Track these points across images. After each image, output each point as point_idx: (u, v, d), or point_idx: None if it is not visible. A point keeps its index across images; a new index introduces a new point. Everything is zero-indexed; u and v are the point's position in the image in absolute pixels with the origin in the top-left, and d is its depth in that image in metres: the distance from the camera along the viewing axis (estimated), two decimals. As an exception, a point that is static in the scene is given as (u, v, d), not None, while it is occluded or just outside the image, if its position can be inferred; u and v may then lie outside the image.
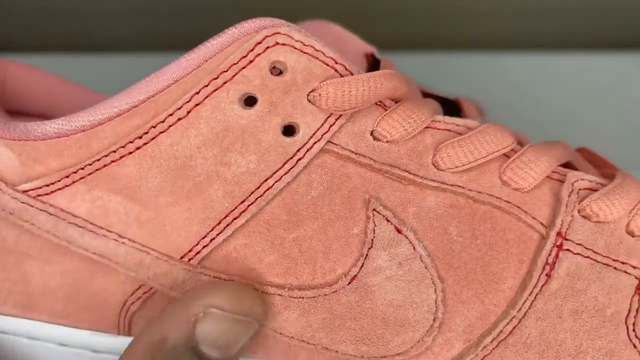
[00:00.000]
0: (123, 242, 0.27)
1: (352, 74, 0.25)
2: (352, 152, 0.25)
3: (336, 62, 0.25)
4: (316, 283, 0.26)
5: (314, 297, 0.26)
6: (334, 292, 0.26)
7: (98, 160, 0.26)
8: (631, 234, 0.26)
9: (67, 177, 0.26)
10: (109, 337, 0.29)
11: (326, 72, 0.25)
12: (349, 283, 0.26)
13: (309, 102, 0.25)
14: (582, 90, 0.58)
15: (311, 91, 0.25)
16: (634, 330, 0.25)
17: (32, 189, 0.27)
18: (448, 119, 0.26)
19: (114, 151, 0.26)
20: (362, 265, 0.26)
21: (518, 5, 0.62)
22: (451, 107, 0.30)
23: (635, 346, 0.25)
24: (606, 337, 0.25)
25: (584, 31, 0.63)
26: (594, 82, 0.58)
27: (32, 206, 0.27)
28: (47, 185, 0.27)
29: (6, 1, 0.65)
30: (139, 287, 0.28)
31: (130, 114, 0.26)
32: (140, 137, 0.26)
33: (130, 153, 0.26)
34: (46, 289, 0.28)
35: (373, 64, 0.29)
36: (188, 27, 0.61)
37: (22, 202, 0.27)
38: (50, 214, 0.27)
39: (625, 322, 0.25)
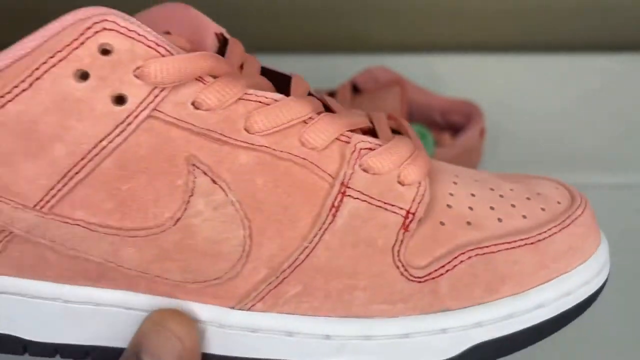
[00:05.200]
0: None
1: (172, 55, 0.28)
2: (176, 118, 0.28)
3: (158, 45, 0.28)
4: (148, 225, 0.29)
5: (145, 236, 0.29)
6: (163, 231, 0.29)
7: None
8: (401, 183, 0.30)
9: None
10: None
11: (148, 52, 0.28)
12: (174, 224, 0.29)
13: (136, 77, 0.28)
14: (581, 90, 0.56)
15: (137, 68, 0.28)
16: (398, 256, 0.30)
17: None
18: (259, 92, 0.29)
19: None
20: (184, 210, 0.29)
21: (517, 7, 0.61)
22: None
23: (398, 267, 0.30)
24: (377, 261, 0.30)
25: (583, 33, 0.61)
26: (593, 82, 0.56)
27: None
28: None
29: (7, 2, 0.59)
30: (0, 232, 0.29)
31: None
32: None
33: None
34: None
35: (224, 43, 0.32)
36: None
37: None
38: None
39: (392, 250, 0.30)
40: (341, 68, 0.52)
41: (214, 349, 0.30)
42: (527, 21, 0.61)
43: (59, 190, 0.28)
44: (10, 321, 0.31)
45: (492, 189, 0.32)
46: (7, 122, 0.27)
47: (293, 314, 0.30)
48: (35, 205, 0.28)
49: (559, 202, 0.32)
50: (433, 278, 0.30)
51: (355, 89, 0.49)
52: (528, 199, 0.32)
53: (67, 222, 0.29)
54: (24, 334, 0.32)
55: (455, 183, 0.32)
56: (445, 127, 0.50)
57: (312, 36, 0.62)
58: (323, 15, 0.62)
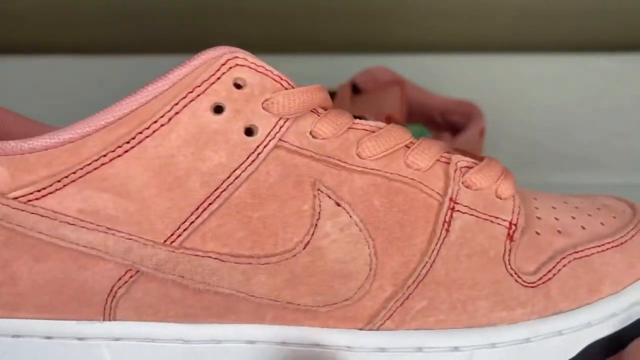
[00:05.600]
0: (112, 234, 0.28)
1: (293, 88, 0.30)
2: (298, 147, 0.30)
3: (281, 79, 0.30)
4: (278, 251, 0.29)
5: (277, 262, 0.29)
6: (293, 256, 0.29)
7: (88, 164, 0.28)
8: (499, 197, 0.32)
9: (58, 181, 0.28)
10: (94, 324, 0.29)
11: (275, 86, 0.30)
12: (304, 248, 0.30)
13: (264, 109, 0.29)
14: (581, 90, 0.55)
15: (265, 100, 0.29)
16: (509, 264, 0.32)
17: (22, 195, 0.27)
18: (363, 122, 0.31)
19: (104, 155, 0.28)
20: (313, 233, 0.30)
21: (517, 7, 0.60)
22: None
23: (512, 275, 0.31)
24: (492, 271, 0.31)
25: (583, 33, 0.60)
26: (593, 82, 0.55)
27: (22, 210, 0.27)
28: (38, 191, 0.28)
29: (8, 2, 0.58)
30: (126, 272, 0.29)
31: (117, 125, 0.28)
32: (128, 142, 0.28)
33: (119, 156, 0.28)
34: (34, 286, 0.28)
35: None
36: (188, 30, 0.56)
37: (13, 208, 0.27)
38: (42, 216, 0.27)
39: (503, 259, 0.32)
40: (341, 68, 0.51)
41: (343, 372, 0.30)
42: (527, 21, 0.61)
43: (191, 223, 0.29)
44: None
45: (565, 203, 0.35)
46: (144, 158, 0.28)
47: (420, 329, 0.31)
48: (165, 241, 0.29)
49: (624, 211, 0.35)
50: (544, 282, 0.31)
51: (355, 89, 0.49)
52: (598, 209, 0.35)
53: (197, 255, 0.29)
54: (140, 383, 0.30)
55: (535, 199, 0.34)
56: (445, 127, 0.49)
57: (312, 36, 0.62)
58: (323, 15, 0.61)
